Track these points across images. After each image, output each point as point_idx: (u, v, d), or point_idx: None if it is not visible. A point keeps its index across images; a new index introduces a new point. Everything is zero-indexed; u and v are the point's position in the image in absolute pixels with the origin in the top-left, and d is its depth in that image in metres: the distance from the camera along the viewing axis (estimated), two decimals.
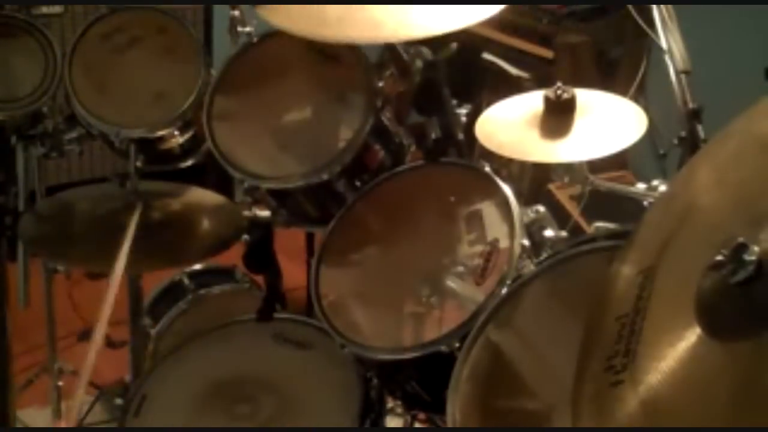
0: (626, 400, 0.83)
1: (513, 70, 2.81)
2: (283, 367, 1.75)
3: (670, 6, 1.70)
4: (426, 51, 1.74)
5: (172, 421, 1.70)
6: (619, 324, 0.90)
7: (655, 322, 0.87)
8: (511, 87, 2.00)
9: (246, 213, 1.87)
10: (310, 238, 2.39)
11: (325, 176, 1.76)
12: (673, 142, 1.66)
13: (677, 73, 1.65)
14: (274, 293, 1.89)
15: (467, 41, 1.69)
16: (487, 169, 1.67)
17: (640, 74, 2.73)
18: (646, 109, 1.65)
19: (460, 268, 1.57)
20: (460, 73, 1.78)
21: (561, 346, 1.23)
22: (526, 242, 1.53)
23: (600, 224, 1.55)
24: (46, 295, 2.35)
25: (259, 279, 2.10)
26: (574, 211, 2.16)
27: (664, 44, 1.67)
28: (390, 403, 1.83)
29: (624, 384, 0.84)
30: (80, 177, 3.10)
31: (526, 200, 1.64)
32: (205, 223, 2.06)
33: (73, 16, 2.98)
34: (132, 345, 2.26)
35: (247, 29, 1.95)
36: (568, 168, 1.73)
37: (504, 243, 1.55)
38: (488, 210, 1.62)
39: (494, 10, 1.51)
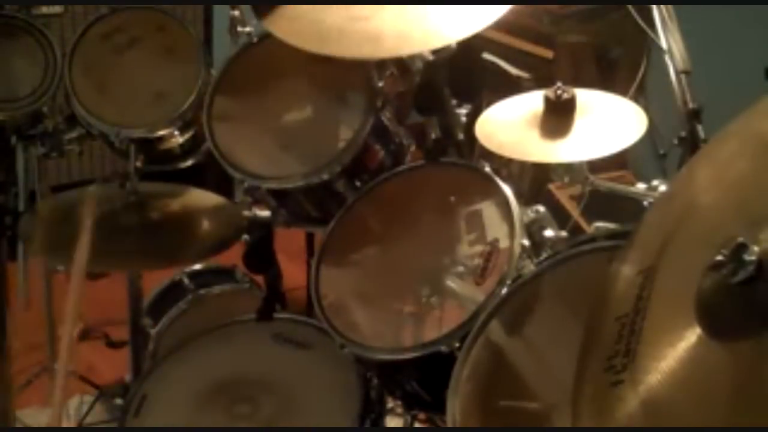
0: (626, 400, 0.83)
1: (513, 70, 2.80)
2: (283, 367, 1.75)
3: (670, 6, 1.70)
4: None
5: (172, 421, 1.71)
6: (619, 324, 0.90)
7: (656, 322, 0.87)
8: (511, 87, 1.99)
9: (246, 213, 1.86)
10: (310, 238, 2.39)
11: (325, 176, 1.76)
12: (673, 142, 1.66)
13: (677, 73, 1.64)
14: (274, 293, 1.89)
15: (467, 41, 1.68)
16: (487, 169, 1.67)
17: (640, 74, 2.73)
18: (646, 109, 1.65)
19: (460, 268, 1.57)
20: (460, 73, 1.78)
21: (561, 346, 1.23)
22: (526, 242, 1.53)
23: (600, 224, 1.55)
24: (46, 295, 2.35)
25: (259, 279, 2.10)
26: (574, 211, 2.15)
27: (664, 44, 1.67)
28: (390, 403, 1.83)
29: (624, 384, 0.84)
30: (80, 177, 3.10)
31: (526, 200, 1.64)
32: (205, 224, 2.06)
33: (73, 16, 2.97)
34: (132, 345, 2.26)
35: (247, 29, 1.95)
36: (568, 168, 1.72)
37: (504, 243, 1.55)
38: (488, 210, 1.62)
39: (497, 15, 1.51)
